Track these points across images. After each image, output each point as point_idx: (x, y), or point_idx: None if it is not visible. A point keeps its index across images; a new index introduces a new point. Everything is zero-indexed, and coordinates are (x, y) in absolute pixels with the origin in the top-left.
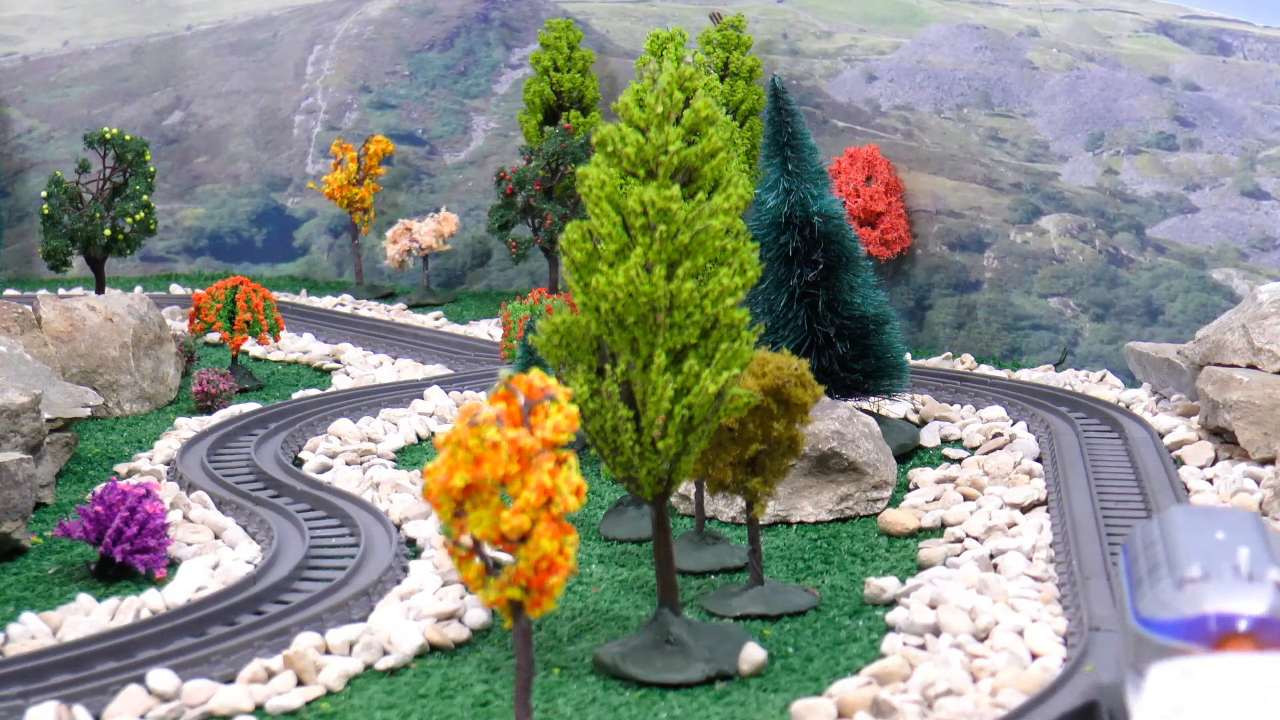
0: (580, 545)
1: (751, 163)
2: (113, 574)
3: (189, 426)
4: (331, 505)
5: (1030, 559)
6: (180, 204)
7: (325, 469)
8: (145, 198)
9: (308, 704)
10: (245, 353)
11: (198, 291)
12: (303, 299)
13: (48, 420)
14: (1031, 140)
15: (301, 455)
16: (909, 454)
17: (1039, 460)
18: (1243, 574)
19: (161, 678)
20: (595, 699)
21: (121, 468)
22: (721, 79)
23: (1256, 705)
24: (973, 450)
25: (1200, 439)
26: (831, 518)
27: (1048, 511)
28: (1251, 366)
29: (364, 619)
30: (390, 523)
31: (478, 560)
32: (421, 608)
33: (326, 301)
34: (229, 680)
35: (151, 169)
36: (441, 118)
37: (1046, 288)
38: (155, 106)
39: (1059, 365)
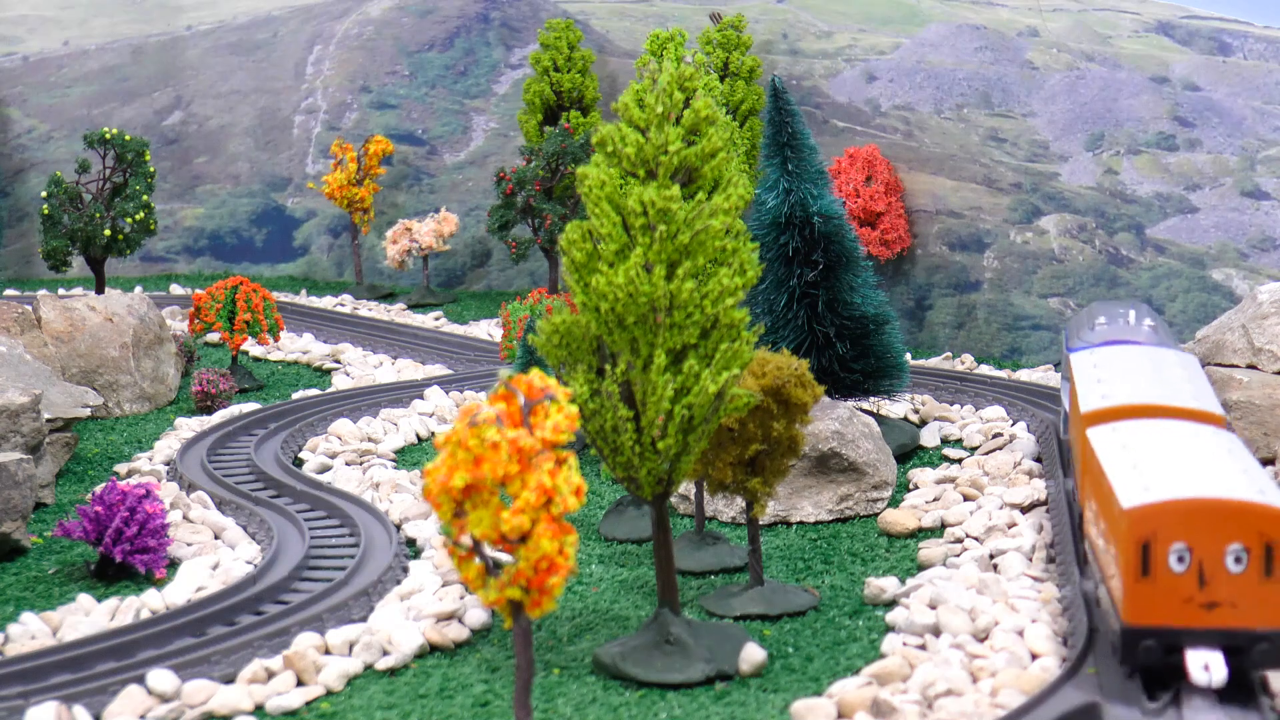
0: (580, 545)
1: (751, 163)
2: (113, 574)
3: (189, 426)
4: (331, 505)
5: (1030, 559)
6: (180, 204)
7: (325, 469)
8: (145, 198)
9: (308, 704)
10: (245, 353)
11: (198, 291)
12: (303, 299)
13: (48, 420)
14: (1031, 140)
15: (301, 455)
16: (909, 454)
17: (1039, 460)
18: (1130, 323)
19: (161, 678)
20: (595, 699)
21: (121, 468)
22: (721, 79)
23: (1124, 362)
24: (973, 450)
25: None
26: (831, 518)
27: (1048, 511)
28: (1251, 366)
29: (364, 619)
30: (390, 523)
31: (478, 560)
32: (421, 608)
33: (326, 301)
34: (229, 680)
35: (151, 169)
36: (441, 118)
37: (1046, 288)
38: (155, 106)
39: (1059, 365)
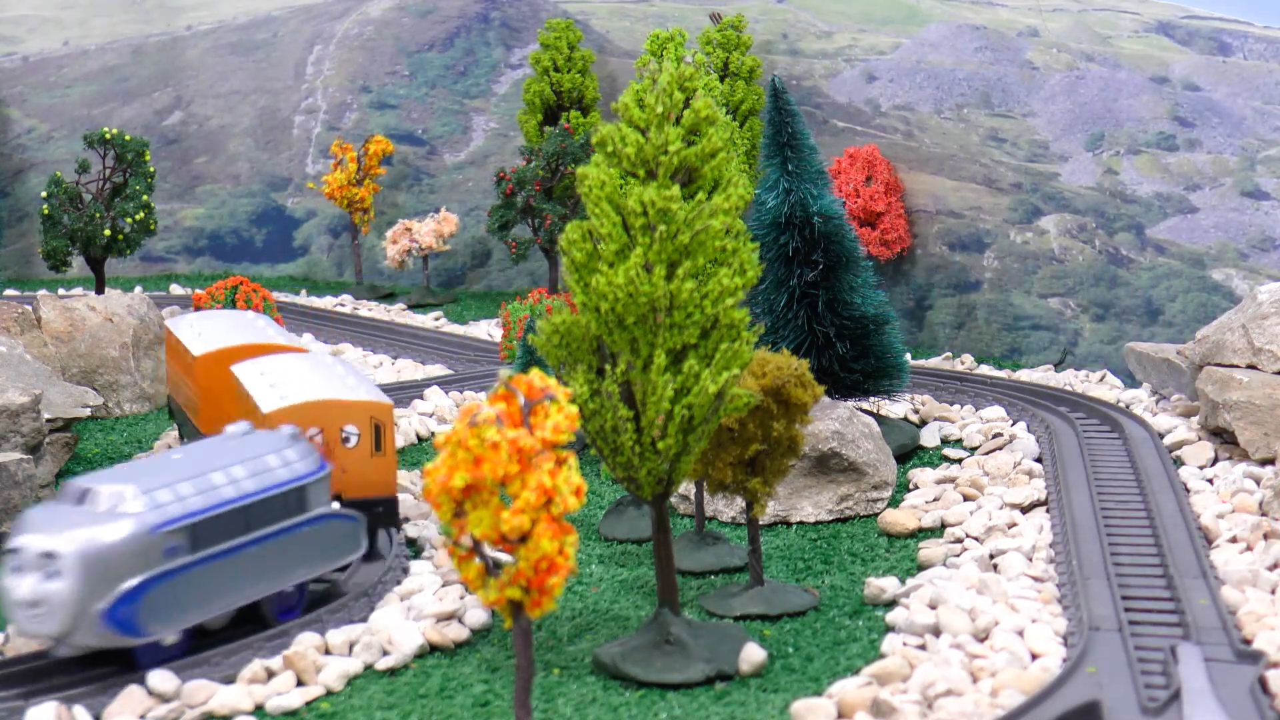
0: (580, 545)
1: (751, 163)
2: None
3: None
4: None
5: (1030, 559)
6: (180, 204)
7: None
8: (145, 198)
9: (308, 704)
10: None
11: (198, 291)
12: (303, 299)
13: (48, 420)
14: (1031, 140)
15: None
16: (909, 454)
17: (1039, 460)
18: None
19: (161, 678)
20: (595, 699)
21: None
22: (721, 79)
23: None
24: (973, 450)
25: (1200, 439)
26: (831, 518)
27: (1048, 511)
28: (1251, 366)
29: (364, 619)
30: None
31: (478, 560)
32: (421, 608)
33: (326, 301)
34: (229, 680)
35: (151, 169)
36: (441, 118)
37: (1046, 288)
38: (155, 106)
39: (1059, 365)
